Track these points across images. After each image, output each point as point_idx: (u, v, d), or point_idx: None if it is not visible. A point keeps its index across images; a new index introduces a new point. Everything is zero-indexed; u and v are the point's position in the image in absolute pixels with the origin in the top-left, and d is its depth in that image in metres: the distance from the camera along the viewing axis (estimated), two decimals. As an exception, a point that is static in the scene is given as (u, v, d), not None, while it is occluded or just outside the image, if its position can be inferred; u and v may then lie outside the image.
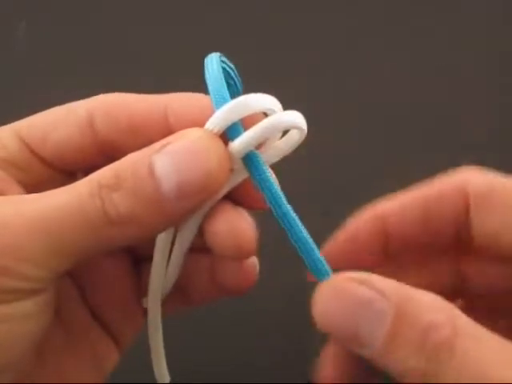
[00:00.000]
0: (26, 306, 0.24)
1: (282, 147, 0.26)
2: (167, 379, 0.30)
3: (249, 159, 0.25)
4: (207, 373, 0.46)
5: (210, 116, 0.24)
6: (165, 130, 0.26)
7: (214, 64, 0.25)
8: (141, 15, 0.55)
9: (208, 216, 0.26)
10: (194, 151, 0.24)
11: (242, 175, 0.26)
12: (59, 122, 0.27)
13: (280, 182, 0.26)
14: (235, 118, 0.24)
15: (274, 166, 0.26)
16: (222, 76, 0.25)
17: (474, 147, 0.47)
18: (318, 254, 0.25)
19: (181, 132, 0.24)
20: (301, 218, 0.25)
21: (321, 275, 0.25)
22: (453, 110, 0.52)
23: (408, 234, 0.28)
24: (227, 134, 0.25)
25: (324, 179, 0.48)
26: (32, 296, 0.24)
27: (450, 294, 0.27)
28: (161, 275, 0.28)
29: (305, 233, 0.25)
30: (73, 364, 0.28)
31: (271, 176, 0.25)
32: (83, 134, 0.27)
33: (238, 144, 0.24)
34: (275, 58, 0.53)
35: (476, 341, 0.22)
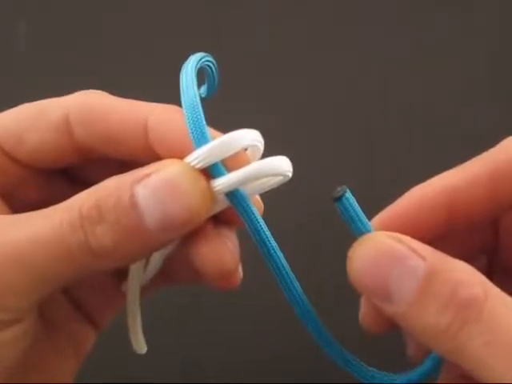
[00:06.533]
0: (5, 335, 0.24)
1: (266, 184, 0.26)
2: (144, 349, 0.30)
3: (232, 196, 0.25)
4: (206, 371, 0.46)
5: (188, 141, 0.24)
6: (143, 143, 0.26)
7: (190, 89, 0.24)
8: (141, 15, 0.55)
9: (191, 237, 0.26)
10: (175, 186, 0.23)
11: (223, 204, 0.25)
12: (33, 124, 0.27)
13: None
14: (217, 158, 0.24)
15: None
16: (199, 106, 0.24)
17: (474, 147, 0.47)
18: (299, 290, 0.26)
19: (161, 163, 0.24)
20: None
21: None
22: (452, 111, 0.52)
23: (473, 210, 0.27)
24: (209, 171, 0.24)
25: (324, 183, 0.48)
26: (11, 325, 0.24)
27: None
28: (140, 267, 0.29)
29: (291, 276, 0.26)
30: (53, 354, 0.28)
31: (256, 213, 0.25)
32: (59, 137, 0.27)
33: (222, 184, 0.24)
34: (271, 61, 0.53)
35: (506, 307, 0.22)
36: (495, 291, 0.23)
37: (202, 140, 0.24)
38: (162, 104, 0.26)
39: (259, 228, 0.25)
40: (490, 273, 0.29)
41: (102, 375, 0.44)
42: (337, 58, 0.53)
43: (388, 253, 0.23)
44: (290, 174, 0.25)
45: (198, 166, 0.24)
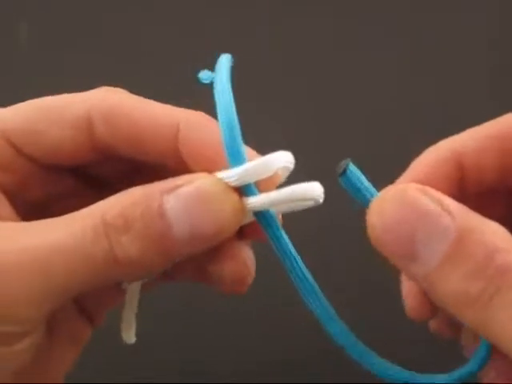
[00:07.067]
0: (13, 349, 0.23)
1: (295, 206, 0.25)
2: (133, 340, 0.30)
3: (262, 216, 0.25)
4: (206, 371, 0.46)
5: (220, 153, 0.24)
6: (172, 147, 0.25)
7: (227, 104, 0.24)
8: (141, 15, 0.55)
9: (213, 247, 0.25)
10: (209, 200, 0.23)
11: (249, 218, 0.25)
12: (53, 121, 0.26)
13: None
14: (251, 179, 0.24)
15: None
16: (237, 124, 0.24)
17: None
18: (327, 306, 0.25)
19: (193, 176, 0.24)
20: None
21: None
22: (452, 111, 0.52)
23: (483, 175, 0.25)
24: (241, 188, 0.24)
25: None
26: (20, 339, 0.23)
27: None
28: None
29: (319, 293, 0.25)
30: (53, 352, 0.28)
31: (283, 233, 0.25)
32: (78, 134, 0.26)
33: (254, 203, 0.24)
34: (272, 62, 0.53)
35: None
36: None
37: (238, 159, 0.24)
38: (195, 111, 0.26)
39: (286, 248, 0.25)
40: None
41: (102, 375, 0.44)
42: (337, 58, 0.53)
43: (416, 207, 0.21)
44: (322, 200, 0.25)
45: (231, 184, 0.24)
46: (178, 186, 0.23)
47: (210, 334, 0.46)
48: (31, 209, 0.26)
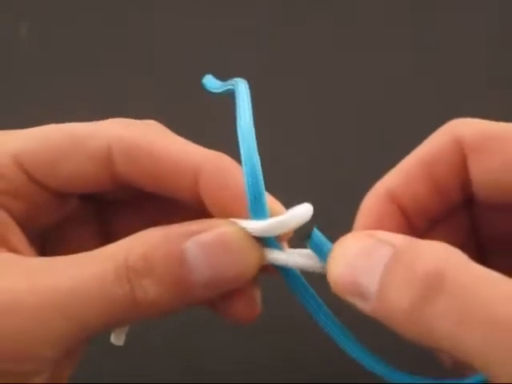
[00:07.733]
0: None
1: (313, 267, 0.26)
2: (122, 342, 0.29)
3: (284, 271, 0.25)
4: (207, 371, 0.46)
5: (241, 200, 0.24)
6: (191, 187, 0.25)
7: (253, 157, 0.24)
8: (142, 15, 0.55)
9: None
10: (232, 250, 0.23)
11: (264, 261, 0.26)
12: (69, 153, 0.25)
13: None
14: (273, 234, 0.24)
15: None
16: (261, 178, 0.24)
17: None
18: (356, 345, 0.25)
19: (215, 222, 0.24)
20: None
21: None
22: (452, 111, 0.52)
23: (421, 204, 0.26)
24: (262, 239, 0.25)
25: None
26: (34, 376, 0.23)
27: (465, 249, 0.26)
28: None
29: (347, 334, 0.25)
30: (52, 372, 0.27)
31: (302, 280, 0.25)
32: (97, 168, 0.26)
33: (275, 257, 0.25)
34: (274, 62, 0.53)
35: (474, 279, 0.20)
36: (464, 265, 0.21)
37: (261, 214, 0.24)
38: (217, 153, 0.26)
39: (308, 296, 0.25)
40: (484, 245, 0.28)
41: (102, 375, 0.44)
42: (338, 58, 0.53)
43: (361, 249, 0.22)
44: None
45: (254, 234, 0.24)
46: (199, 231, 0.23)
47: (210, 333, 0.46)
48: (40, 234, 0.26)
